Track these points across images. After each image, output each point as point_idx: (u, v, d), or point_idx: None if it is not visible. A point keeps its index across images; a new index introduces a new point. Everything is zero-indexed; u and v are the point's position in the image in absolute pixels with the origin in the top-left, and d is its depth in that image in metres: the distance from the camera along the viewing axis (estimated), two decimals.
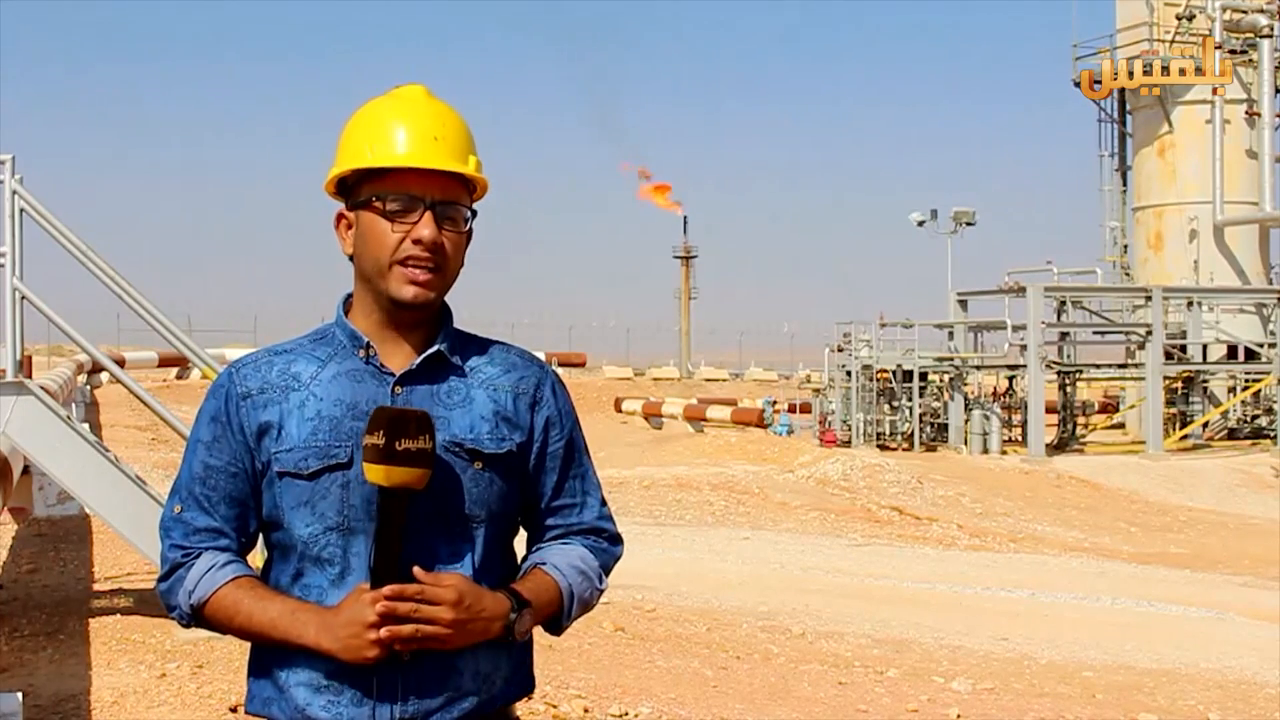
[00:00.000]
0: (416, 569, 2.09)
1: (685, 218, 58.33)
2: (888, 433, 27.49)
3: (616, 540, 2.39)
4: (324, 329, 2.29)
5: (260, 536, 2.28)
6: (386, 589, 2.06)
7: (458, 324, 2.30)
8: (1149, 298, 27.59)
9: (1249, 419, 29.91)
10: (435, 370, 2.23)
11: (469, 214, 2.23)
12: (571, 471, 2.34)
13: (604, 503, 2.40)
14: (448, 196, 2.19)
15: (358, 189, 2.22)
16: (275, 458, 2.17)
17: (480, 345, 2.31)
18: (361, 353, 2.22)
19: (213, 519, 2.21)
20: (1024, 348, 27.04)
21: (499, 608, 2.14)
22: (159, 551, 2.25)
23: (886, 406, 27.63)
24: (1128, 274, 33.31)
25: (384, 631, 2.05)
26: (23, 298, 7.88)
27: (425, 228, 2.16)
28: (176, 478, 2.26)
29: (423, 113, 2.21)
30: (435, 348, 2.23)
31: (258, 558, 2.29)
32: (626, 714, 6.91)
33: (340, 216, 2.26)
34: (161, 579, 2.23)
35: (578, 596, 2.27)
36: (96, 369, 25.12)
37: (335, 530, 2.16)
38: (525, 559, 2.33)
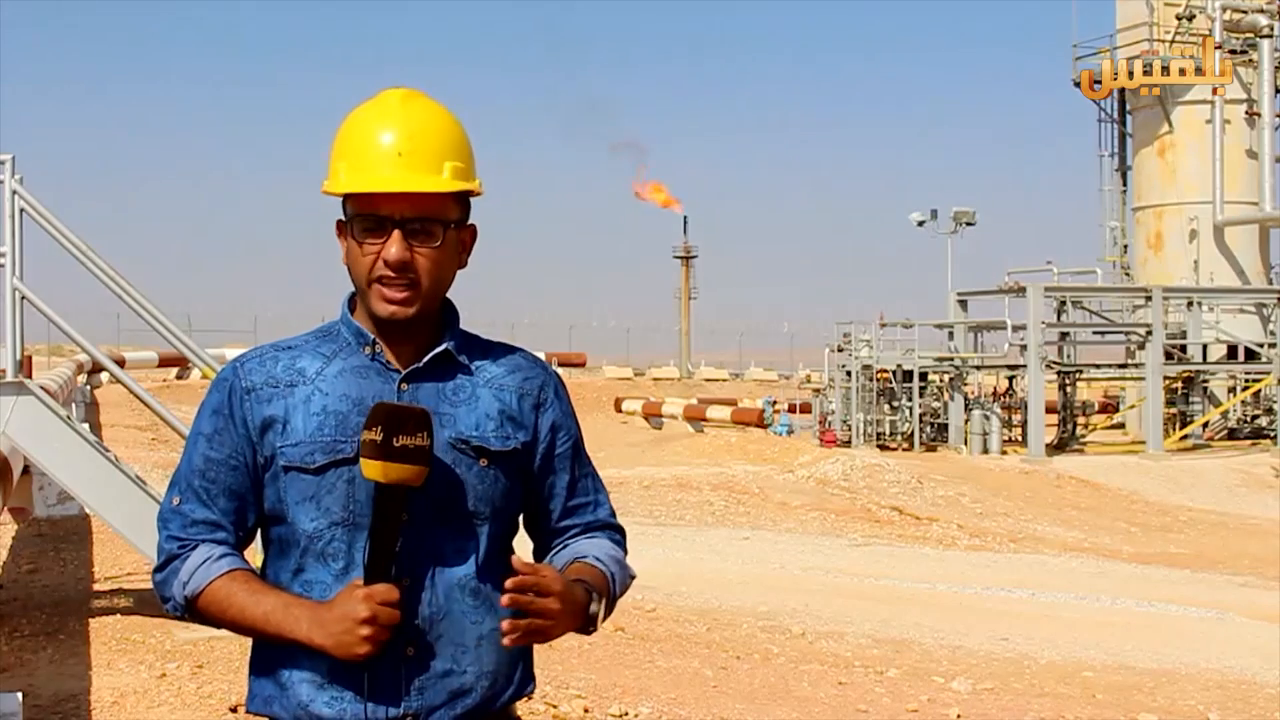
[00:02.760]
0: (515, 558, 2.11)
1: (685, 218, 58.26)
2: (888, 433, 27.47)
3: (624, 535, 2.43)
4: (329, 326, 2.29)
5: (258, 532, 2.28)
6: (379, 586, 2.07)
7: None
8: (1149, 298, 27.58)
9: (1249, 419, 29.90)
10: (442, 368, 2.24)
11: (447, 225, 2.19)
12: (580, 471, 2.36)
13: (609, 500, 2.43)
14: (418, 212, 2.16)
15: (345, 203, 2.22)
16: (280, 452, 2.17)
17: (485, 346, 2.32)
18: (367, 349, 2.22)
19: (211, 511, 2.20)
20: (1024, 348, 27.03)
21: (583, 599, 2.16)
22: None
23: (886, 406, 27.61)
24: (1128, 274, 33.31)
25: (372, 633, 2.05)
26: (23, 298, 7.88)
27: (392, 246, 2.14)
28: (176, 469, 2.26)
29: (395, 125, 2.17)
30: (443, 346, 2.23)
31: (256, 555, 2.28)
32: (626, 714, 6.91)
33: (340, 226, 2.26)
34: (157, 570, 2.23)
35: (620, 585, 2.31)
36: (96, 369, 25.11)
37: (341, 525, 2.16)
38: (553, 555, 2.34)
